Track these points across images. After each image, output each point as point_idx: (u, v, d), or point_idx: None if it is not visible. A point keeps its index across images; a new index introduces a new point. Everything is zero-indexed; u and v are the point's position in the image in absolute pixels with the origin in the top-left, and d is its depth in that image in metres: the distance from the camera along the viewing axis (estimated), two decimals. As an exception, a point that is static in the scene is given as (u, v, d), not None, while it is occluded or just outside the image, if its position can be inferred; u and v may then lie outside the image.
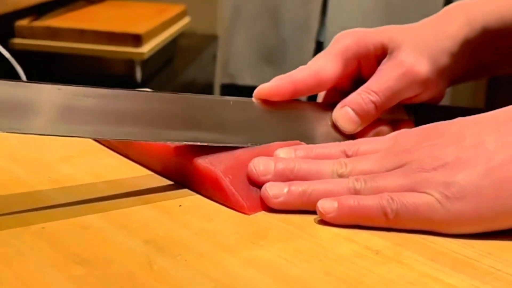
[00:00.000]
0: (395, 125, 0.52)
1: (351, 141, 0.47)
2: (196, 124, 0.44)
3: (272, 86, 0.49)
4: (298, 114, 0.50)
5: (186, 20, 1.66)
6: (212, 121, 0.45)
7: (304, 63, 0.52)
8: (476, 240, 0.38)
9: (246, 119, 0.47)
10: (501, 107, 0.42)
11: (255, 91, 0.49)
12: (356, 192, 0.41)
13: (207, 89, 1.95)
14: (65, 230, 0.38)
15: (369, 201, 0.40)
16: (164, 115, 0.43)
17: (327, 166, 0.44)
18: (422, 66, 0.51)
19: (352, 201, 0.40)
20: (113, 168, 0.48)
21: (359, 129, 0.51)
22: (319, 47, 2.05)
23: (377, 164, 0.43)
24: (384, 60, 0.51)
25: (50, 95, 0.40)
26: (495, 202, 0.38)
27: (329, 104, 0.52)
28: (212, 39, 1.97)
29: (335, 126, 0.51)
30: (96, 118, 0.41)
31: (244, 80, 2.13)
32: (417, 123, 0.51)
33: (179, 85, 1.55)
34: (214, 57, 1.99)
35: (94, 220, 0.40)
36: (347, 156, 0.45)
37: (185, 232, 0.39)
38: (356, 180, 0.42)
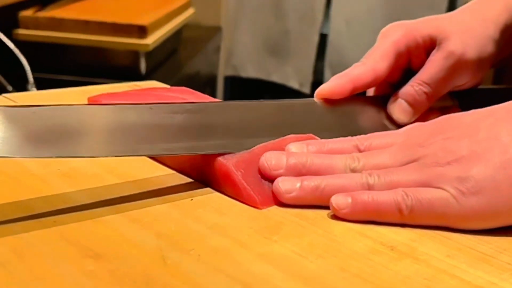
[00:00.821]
0: (443, 112, 0.53)
1: (363, 136, 0.46)
2: (285, 128, 0.46)
3: (333, 86, 0.51)
4: (354, 109, 0.52)
5: (190, 12, 1.65)
6: (297, 124, 0.48)
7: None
8: (492, 236, 0.38)
9: (314, 119, 0.49)
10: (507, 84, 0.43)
11: (317, 91, 0.51)
12: (370, 187, 0.41)
13: (211, 81, 1.95)
14: (77, 223, 0.38)
15: (384, 197, 0.40)
16: (248, 124, 0.45)
17: (339, 161, 0.43)
18: (470, 55, 0.52)
19: (366, 196, 0.40)
20: (124, 162, 0.48)
21: (413, 119, 0.52)
22: (323, 39, 2.05)
23: (391, 159, 0.43)
24: (434, 51, 0.53)
25: (143, 115, 0.41)
26: (511, 195, 0.38)
27: (381, 97, 0.54)
28: (216, 30, 1.96)
29: (389, 118, 0.53)
30: (188, 134, 0.43)
31: (247, 72, 2.13)
32: (462, 108, 0.53)
33: (183, 76, 1.54)
34: (218, 49, 1.98)
35: (105, 213, 0.39)
36: (360, 150, 0.45)
37: (198, 227, 0.38)
38: (370, 175, 0.41)
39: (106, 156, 0.40)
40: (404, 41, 0.53)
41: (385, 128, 0.52)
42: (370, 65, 0.52)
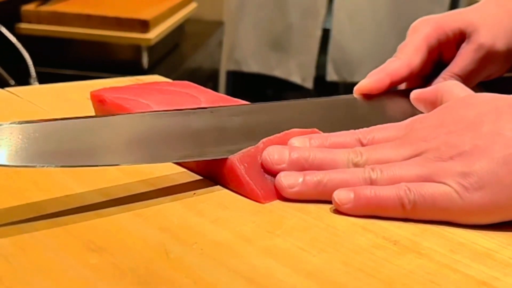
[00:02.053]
0: None
1: (366, 129, 0.46)
2: (333, 125, 0.47)
3: (371, 81, 0.52)
4: (391, 104, 0.53)
5: (192, 6, 1.65)
6: (343, 120, 0.49)
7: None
8: (495, 231, 0.38)
9: (358, 115, 0.51)
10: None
11: (356, 87, 0.52)
12: (372, 182, 0.41)
13: (213, 75, 1.95)
14: (80, 217, 0.38)
15: (386, 192, 0.39)
16: (297, 122, 0.46)
17: (342, 155, 0.43)
18: (499, 46, 0.54)
19: (368, 191, 0.40)
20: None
21: None
22: (325, 34, 2.04)
23: (393, 153, 0.43)
24: (463, 44, 0.55)
25: (206, 119, 0.43)
26: None
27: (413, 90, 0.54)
28: (218, 25, 1.96)
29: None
30: (244, 135, 0.44)
31: (249, 67, 2.12)
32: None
33: (185, 71, 1.54)
34: (220, 44, 1.98)
35: (108, 208, 0.39)
36: (362, 144, 0.45)
37: (200, 221, 0.38)
38: (372, 169, 0.41)
39: (178, 161, 0.42)
40: (435, 35, 0.54)
41: None
42: (404, 59, 0.53)
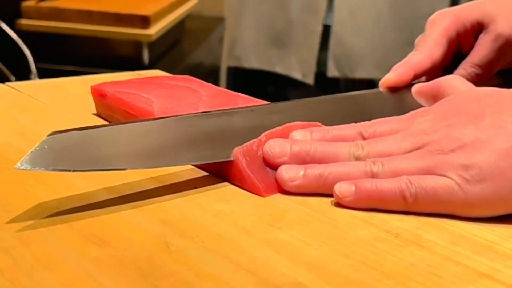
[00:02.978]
0: None
1: (367, 122, 0.46)
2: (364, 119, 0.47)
3: (397, 75, 0.54)
4: (412, 96, 0.54)
5: (193, 2, 1.65)
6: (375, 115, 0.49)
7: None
8: (496, 224, 0.38)
9: (387, 108, 0.51)
10: None
11: (382, 81, 0.54)
12: (374, 175, 0.41)
13: (214, 72, 1.95)
14: (81, 210, 0.38)
15: (387, 185, 0.39)
16: (334, 116, 0.48)
17: (343, 149, 0.43)
18: None
19: (369, 184, 0.40)
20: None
21: None
22: (326, 30, 2.04)
23: (395, 146, 0.43)
24: (481, 35, 0.56)
25: (247, 118, 0.45)
26: None
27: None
28: (219, 21, 1.96)
29: None
30: None
31: (250, 63, 2.12)
32: (506, 85, 0.55)
33: (186, 67, 1.54)
34: (221, 40, 1.98)
35: (109, 200, 0.39)
36: (364, 138, 0.45)
37: (202, 214, 0.38)
38: (373, 163, 0.41)
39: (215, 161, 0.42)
40: (454, 27, 0.56)
41: None
42: (426, 52, 0.55)
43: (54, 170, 0.37)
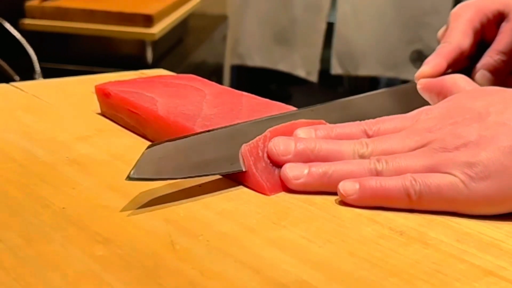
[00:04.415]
0: None
1: (371, 120, 0.46)
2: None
3: (432, 66, 0.54)
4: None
5: (196, 0, 1.65)
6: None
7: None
8: (501, 221, 0.38)
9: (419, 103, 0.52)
10: None
11: (418, 74, 0.54)
12: (378, 173, 0.41)
13: (218, 70, 1.95)
14: (86, 209, 0.38)
15: (392, 182, 0.39)
16: (382, 111, 0.48)
17: (348, 147, 0.43)
18: None
19: (374, 182, 0.40)
20: (131, 148, 0.48)
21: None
22: (330, 28, 2.04)
23: (399, 144, 0.43)
24: (503, 23, 0.57)
25: (303, 117, 0.46)
26: None
27: (460, 71, 0.57)
28: (222, 19, 1.96)
29: None
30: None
31: (253, 61, 2.12)
32: None
33: (189, 66, 1.54)
34: (224, 38, 1.97)
35: (114, 199, 0.40)
36: (368, 135, 0.45)
37: (206, 212, 0.38)
38: (378, 160, 0.41)
39: None
40: (477, 19, 0.57)
41: None
42: (455, 43, 0.56)
43: (159, 179, 0.40)
